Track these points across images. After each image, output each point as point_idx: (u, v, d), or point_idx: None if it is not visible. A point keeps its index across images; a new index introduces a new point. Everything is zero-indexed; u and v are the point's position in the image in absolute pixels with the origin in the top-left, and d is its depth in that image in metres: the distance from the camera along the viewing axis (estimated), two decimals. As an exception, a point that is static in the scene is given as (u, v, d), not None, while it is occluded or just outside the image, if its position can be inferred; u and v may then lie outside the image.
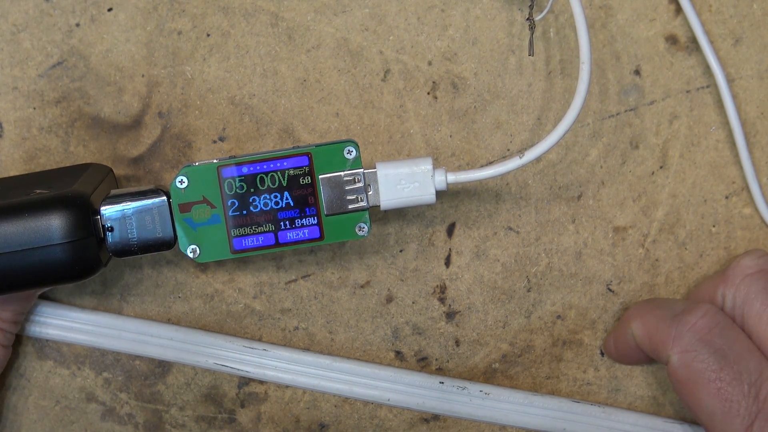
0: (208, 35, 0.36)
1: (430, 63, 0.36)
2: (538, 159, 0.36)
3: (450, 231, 0.37)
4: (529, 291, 0.37)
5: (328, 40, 0.36)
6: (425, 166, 0.32)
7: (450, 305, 0.37)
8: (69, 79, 0.36)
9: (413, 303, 0.37)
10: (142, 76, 0.36)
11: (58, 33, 0.35)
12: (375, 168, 0.32)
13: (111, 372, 0.37)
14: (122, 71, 0.36)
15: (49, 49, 0.36)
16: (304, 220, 0.32)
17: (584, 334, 0.38)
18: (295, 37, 0.36)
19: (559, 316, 0.38)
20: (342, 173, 0.32)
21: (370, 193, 0.32)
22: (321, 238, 0.32)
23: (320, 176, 0.32)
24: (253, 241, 0.32)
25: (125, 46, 0.36)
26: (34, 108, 0.36)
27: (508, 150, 0.36)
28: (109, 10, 0.35)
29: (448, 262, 0.37)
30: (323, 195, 0.32)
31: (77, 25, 0.36)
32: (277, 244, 0.32)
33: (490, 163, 0.32)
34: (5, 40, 0.35)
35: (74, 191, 0.31)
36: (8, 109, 0.36)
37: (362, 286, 0.37)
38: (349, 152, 0.32)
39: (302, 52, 0.36)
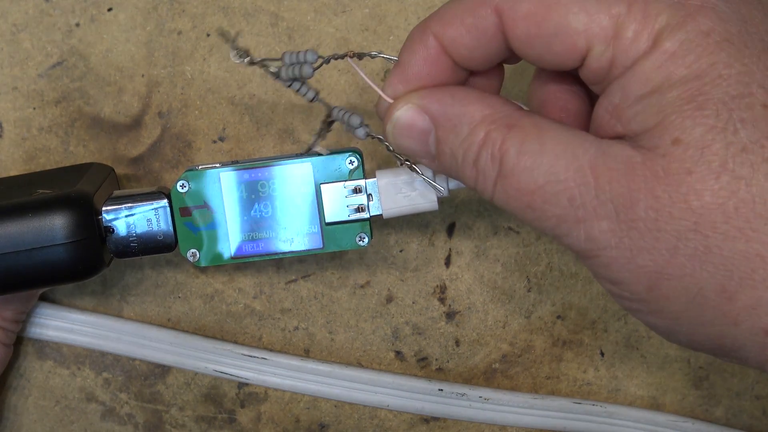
0: (208, 35, 0.36)
1: (430, 63, 0.36)
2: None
3: (450, 231, 0.37)
4: (529, 291, 0.38)
5: (328, 40, 0.36)
6: (426, 173, 0.31)
7: (450, 305, 0.37)
8: (69, 79, 0.36)
9: (413, 303, 0.37)
10: (142, 76, 0.36)
11: (58, 33, 0.35)
12: (375, 177, 0.31)
13: (111, 372, 0.37)
14: (122, 71, 0.36)
15: (49, 49, 0.36)
16: (304, 228, 0.32)
17: (584, 334, 0.38)
18: (295, 37, 0.36)
19: (559, 316, 0.38)
20: (343, 183, 0.31)
21: (371, 202, 0.31)
22: (321, 247, 0.32)
23: (321, 185, 0.31)
24: (252, 247, 0.32)
25: (125, 46, 0.36)
26: (34, 108, 0.36)
27: (508, 150, 0.36)
28: (109, 10, 0.35)
29: (448, 262, 0.37)
30: (324, 204, 0.31)
31: (77, 25, 0.35)
32: (277, 251, 0.32)
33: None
34: (5, 40, 0.35)
35: (77, 191, 0.31)
36: (8, 109, 0.36)
37: (362, 286, 0.37)
38: (351, 162, 0.31)
39: (302, 52, 0.36)
